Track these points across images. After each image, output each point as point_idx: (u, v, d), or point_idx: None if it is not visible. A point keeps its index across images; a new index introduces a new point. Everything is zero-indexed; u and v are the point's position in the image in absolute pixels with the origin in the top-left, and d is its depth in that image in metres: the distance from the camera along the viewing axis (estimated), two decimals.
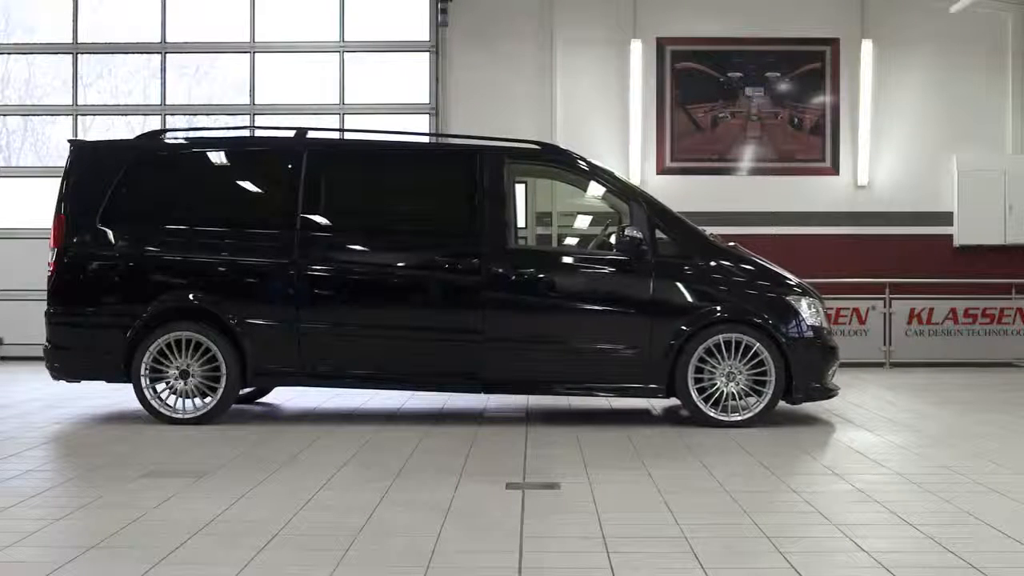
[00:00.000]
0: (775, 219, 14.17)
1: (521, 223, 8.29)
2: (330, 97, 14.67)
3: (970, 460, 6.70)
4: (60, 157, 11.88)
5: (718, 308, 8.08)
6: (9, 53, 15.30)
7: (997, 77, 14.51)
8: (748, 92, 14.54)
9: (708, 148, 14.54)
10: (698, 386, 8.00)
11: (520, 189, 8.38)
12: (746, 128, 14.55)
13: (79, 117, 14.94)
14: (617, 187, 8.58)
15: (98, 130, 15.03)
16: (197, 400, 8.20)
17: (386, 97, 14.66)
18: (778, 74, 14.54)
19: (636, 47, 14.31)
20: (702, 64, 14.53)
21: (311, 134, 8.75)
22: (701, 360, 7.99)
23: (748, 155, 14.55)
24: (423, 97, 14.59)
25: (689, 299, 8.11)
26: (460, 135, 9.01)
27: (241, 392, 8.64)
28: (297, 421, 8.62)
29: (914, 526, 4.84)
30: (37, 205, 13.05)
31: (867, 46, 14.33)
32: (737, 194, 14.31)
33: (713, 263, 8.22)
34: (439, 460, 6.59)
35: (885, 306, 13.64)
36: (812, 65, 14.55)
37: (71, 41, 14.93)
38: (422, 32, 14.66)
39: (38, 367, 8.99)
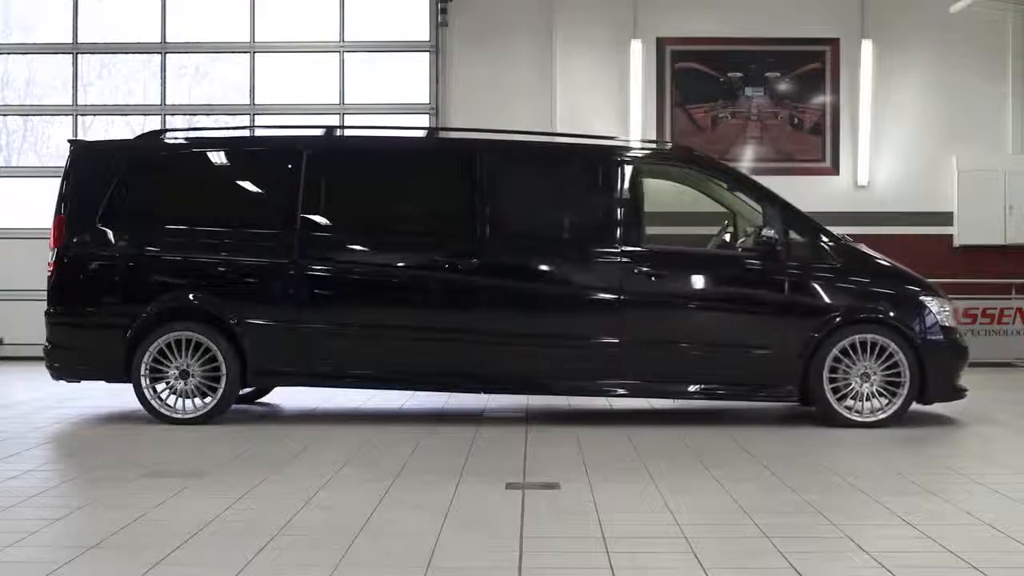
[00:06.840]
0: None
1: (647, 224, 8.31)
2: (330, 97, 14.67)
3: (970, 460, 6.70)
4: (60, 157, 11.86)
5: (852, 308, 8.05)
6: (9, 53, 15.29)
7: (997, 77, 14.48)
8: (748, 92, 14.53)
9: (708, 148, 14.43)
10: (831, 387, 7.96)
11: (643, 189, 8.36)
12: (746, 128, 14.54)
13: (79, 117, 14.93)
14: (749, 187, 8.56)
15: (98, 130, 15.02)
16: (197, 400, 8.19)
17: (386, 97, 14.66)
18: (778, 74, 14.53)
19: (636, 47, 14.30)
20: (702, 64, 14.52)
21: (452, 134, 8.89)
22: (833, 361, 7.96)
23: (748, 155, 14.53)
24: (423, 97, 14.59)
25: (823, 299, 8.09)
26: (590, 135, 9.03)
27: (241, 392, 8.64)
28: (297, 421, 8.62)
29: (914, 526, 4.84)
30: (37, 205, 13.04)
31: (867, 46, 14.32)
32: None
33: (845, 263, 8.20)
34: (439, 460, 6.59)
35: None
36: (812, 65, 14.54)
37: (71, 41, 14.92)
38: (422, 32, 14.66)
39: (38, 367, 8.98)
